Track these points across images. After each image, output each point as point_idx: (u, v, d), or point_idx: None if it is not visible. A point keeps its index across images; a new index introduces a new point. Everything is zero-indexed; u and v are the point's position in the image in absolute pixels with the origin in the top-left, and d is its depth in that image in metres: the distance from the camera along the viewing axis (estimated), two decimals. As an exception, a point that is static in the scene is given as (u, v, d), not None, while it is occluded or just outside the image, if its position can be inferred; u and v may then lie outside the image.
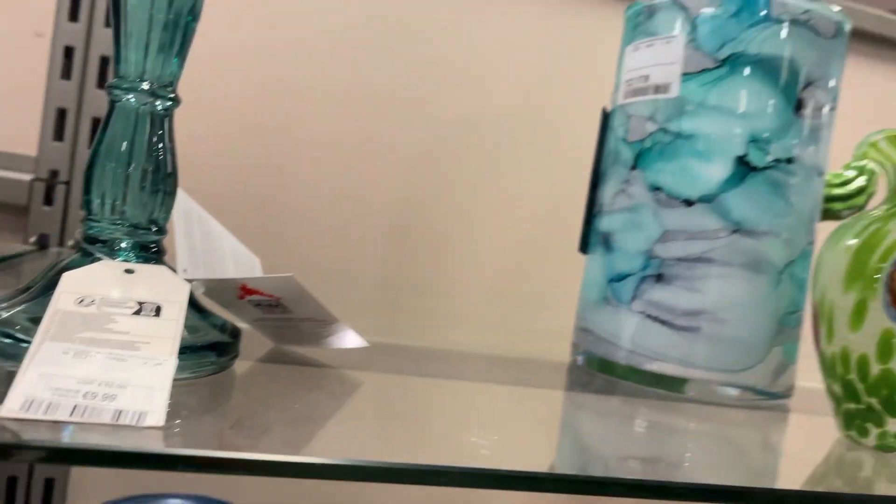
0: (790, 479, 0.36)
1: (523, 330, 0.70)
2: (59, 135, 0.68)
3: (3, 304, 0.30)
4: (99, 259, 0.31)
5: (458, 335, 0.62)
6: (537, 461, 0.31)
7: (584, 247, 0.50)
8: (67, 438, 0.23)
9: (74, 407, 0.25)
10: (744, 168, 0.42)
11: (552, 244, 0.80)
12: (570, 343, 0.50)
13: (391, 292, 0.77)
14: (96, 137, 0.32)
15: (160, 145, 0.33)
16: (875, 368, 0.36)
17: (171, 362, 0.27)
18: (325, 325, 0.37)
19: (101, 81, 0.68)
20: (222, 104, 0.73)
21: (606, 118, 0.49)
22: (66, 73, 0.67)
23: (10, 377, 0.27)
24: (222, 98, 0.73)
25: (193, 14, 0.32)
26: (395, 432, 0.31)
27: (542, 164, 0.80)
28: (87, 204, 0.32)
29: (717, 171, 0.42)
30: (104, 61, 0.68)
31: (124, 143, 0.32)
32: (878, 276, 0.35)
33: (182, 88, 0.34)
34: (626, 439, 0.37)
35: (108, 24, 0.68)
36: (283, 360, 0.39)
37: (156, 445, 0.23)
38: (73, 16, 0.67)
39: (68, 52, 0.67)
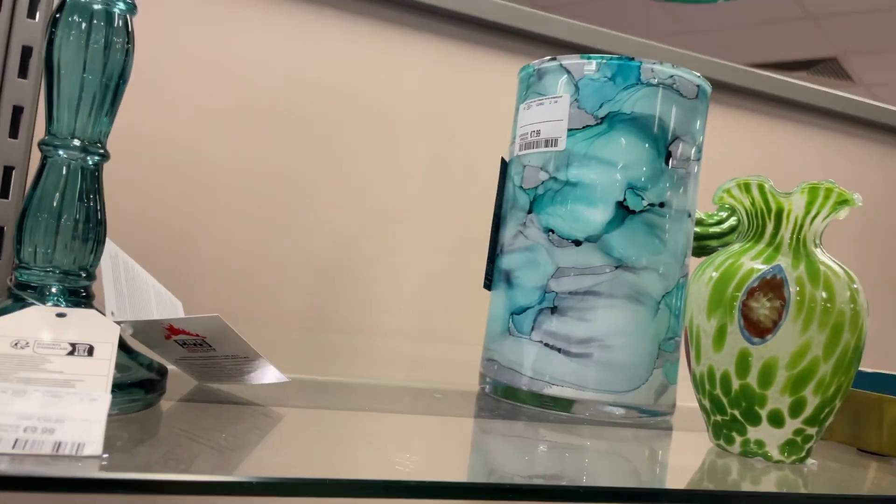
0: (672, 483, 0.41)
1: (435, 363, 0.73)
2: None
3: (-65, 350, 0.32)
4: (31, 304, 0.33)
5: (376, 371, 0.65)
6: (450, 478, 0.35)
7: (489, 284, 0.54)
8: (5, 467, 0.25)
9: (16, 441, 0.26)
10: (623, 212, 0.48)
11: (460, 284, 0.84)
12: (478, 373, 0.54)
13: (312, 333, 0.80)
14: (28, 190, 0.34)
15: (90, 197, 0.35)
16: (736, 384, 0.41)
17: (105, 398, 0.30)
18: (248, 362, 0.39)
19: (14, 132, 0.68)
20: (148, 152, 0.75)
21: (505, 167, 0.54)
22: (-23, 123, 0.67)
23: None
24: (148, 146, 0.75)
25: (123, 77, 0.35)
26: (318, 456, 0.34)
27: (449, 211, 0.85)
28: (17, 252, 0.34)
29: (600, 214, 0.48)
30: (17, 111, 0.68)
31: (56, 196, 0.34)
32: (735, 303, 0.41)
33: (114, 139, 0.36)
34: (529, 456, 0.41)
35: (21, 76, 0.68)
36: (206, 398, 0.41)
37: (96, 472, 0.26)
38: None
39: (-21, 101, 0.67)
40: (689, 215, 0.51)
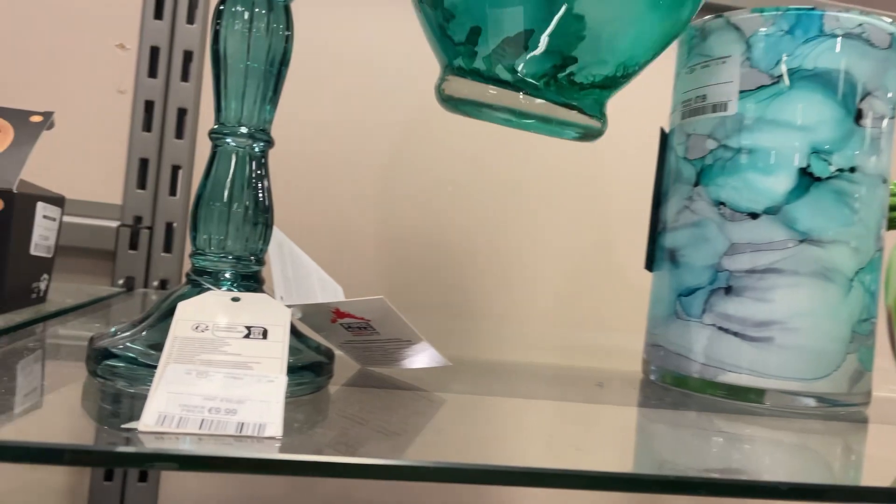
0: (878, 481, 0.37)
1: (589, 349, 0.70)
2: (141, 183, 0.72)
3: (126, 335, 0.33)
4: (207, 289, 0.34)
5: (527, 357, 0.63)
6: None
7: (650, 264, 0.51)
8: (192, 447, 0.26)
9: (202, 421, 0.27)
10: (807, 179, 0.43)
11: (608, 267, 0.81)
12: (636, 361, 0.51)
13: (458, 320, 0.79)
14: (201, 180, 0.35)
15: (258, 183, 0.36)
16: (955, 369, 0.36)
17: (282, 379, 0.30)
18: (410, 346, 0.39)
19: (179, 132, 0.73)
20: (300, 142, 0.77)
21: (665, 138, 0.50)
22: (147, 126, 0.72)
23: (132, 397, 0.30)
24: (300, 136, 0.77)
25: (285, 62, 0.36)
26: (486, 443, 0.33)
27: (597, 189, 0.81)
28: (193, 240, 0.35)
29: (780, 183, 0.43)
30: (181, 113, 0.73)
31: (227, 183, 0.35)
32: (952, 277, 0.36)
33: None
34: (705, 449, 0.38)
35: (184, 79, 0.72)
36: (369, 382, 0.41)
37: (280, 453, 0.26)
38: (152, 73, 0.72)
39: (148, 106, 0.72)
40: (885, 181, 0.45)
